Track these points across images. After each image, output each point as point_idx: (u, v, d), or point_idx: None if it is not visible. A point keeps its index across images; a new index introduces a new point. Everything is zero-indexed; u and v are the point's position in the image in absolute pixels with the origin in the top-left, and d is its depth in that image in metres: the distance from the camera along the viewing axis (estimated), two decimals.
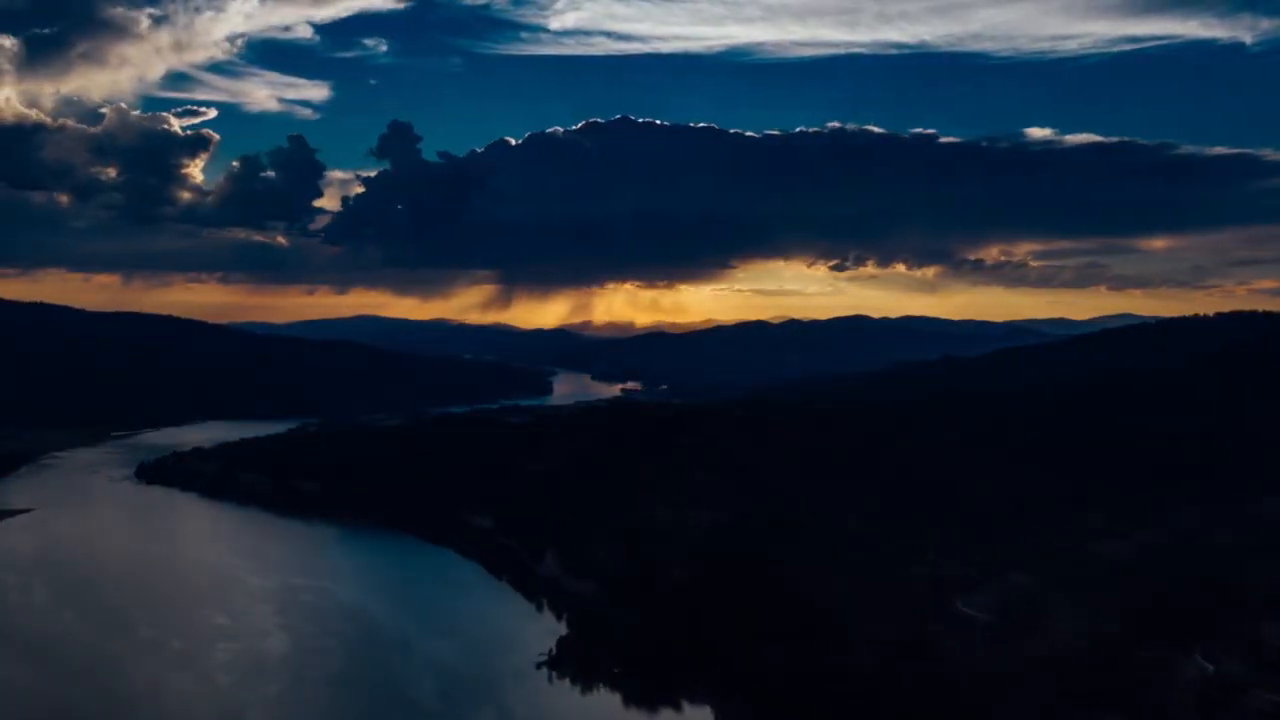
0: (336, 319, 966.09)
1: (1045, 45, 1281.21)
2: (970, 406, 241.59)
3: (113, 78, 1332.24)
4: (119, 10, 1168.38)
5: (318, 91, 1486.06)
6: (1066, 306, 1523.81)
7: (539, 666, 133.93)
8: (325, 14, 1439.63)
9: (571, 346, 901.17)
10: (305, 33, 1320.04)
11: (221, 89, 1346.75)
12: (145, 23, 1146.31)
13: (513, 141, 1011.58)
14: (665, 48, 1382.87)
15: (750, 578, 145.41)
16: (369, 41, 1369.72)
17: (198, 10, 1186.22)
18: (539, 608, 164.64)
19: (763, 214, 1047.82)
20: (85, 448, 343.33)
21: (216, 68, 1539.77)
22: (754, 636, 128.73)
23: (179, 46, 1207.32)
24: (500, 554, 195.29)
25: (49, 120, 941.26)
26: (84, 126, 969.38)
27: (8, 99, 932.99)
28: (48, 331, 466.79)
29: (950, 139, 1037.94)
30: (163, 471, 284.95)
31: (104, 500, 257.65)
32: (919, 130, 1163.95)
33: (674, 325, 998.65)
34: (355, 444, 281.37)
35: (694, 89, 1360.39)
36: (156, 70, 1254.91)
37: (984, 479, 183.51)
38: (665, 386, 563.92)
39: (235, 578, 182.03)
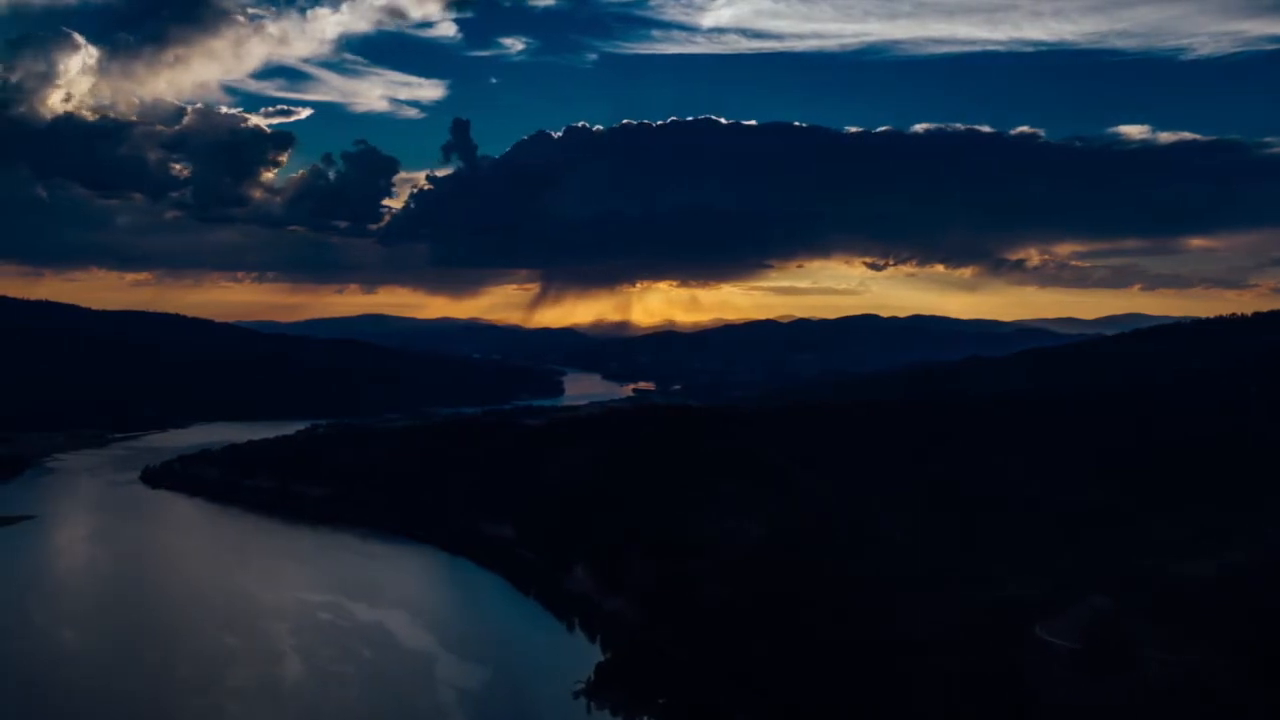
0: (342, 318, 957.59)
1: (1185, 42, 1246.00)
2: (1005, 410, 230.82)
3: (204, 75, 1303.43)
4: (222, 7, 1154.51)
5: (432, 91, 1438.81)
6: (1075, 306, 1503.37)
7: (576, 695, 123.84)
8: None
9: (579, 346, 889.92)
10: (449, 30, 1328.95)
11: (334, 87, 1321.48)
12: (245, 19, 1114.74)
13: (598, 128, 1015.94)
14: (800, 46, 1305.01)
15: (799, 596, 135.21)
16: (506, 40, 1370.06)
17: (304, 9, 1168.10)
18: (570, 627, 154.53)
19: (812, 212, 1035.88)
20: (89, 450, 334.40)
21: (331, 65, 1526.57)
22: (808, 663, 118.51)
23: (284, 42, 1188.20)
24: (523, 566, 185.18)
25: (130, 119, 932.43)
26: (163, 127, 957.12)
27: (79, 101, 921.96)
28: (51, 332, 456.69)
29: (1050, 138, 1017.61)
30: (168, 476, 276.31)
31: (107, 507, 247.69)
32: (1024, 129, 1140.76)
33: (684, 324, 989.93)
34: (364, 446, 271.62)
35: (816, 87, 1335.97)
36: (249, 66, 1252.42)
37: (1035, 488, 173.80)
38: (678, 386, 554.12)
39: (245, 592, 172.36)
